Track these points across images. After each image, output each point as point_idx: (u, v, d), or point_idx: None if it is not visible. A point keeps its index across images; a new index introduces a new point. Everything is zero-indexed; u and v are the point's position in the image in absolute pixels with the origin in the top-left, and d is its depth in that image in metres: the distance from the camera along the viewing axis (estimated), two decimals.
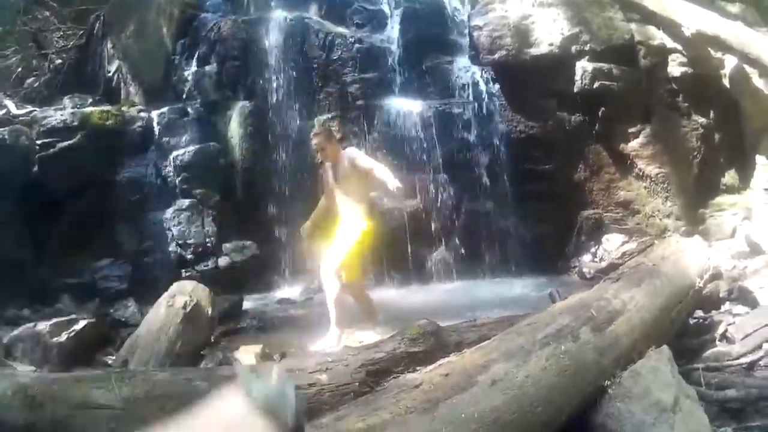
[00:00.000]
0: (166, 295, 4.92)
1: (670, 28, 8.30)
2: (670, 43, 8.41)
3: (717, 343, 4.51)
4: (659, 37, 8.49)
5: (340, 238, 5.46)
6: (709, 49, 8.13)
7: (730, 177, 8.38)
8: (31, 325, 5.17)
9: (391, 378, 3.08)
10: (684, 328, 4.44)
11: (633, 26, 8.59)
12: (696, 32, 7.81)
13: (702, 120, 8.36)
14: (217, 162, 8.30)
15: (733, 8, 8.96)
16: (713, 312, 5.12)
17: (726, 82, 8.18)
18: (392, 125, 8.29)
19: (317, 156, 5.87)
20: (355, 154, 5.72)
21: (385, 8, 9.55)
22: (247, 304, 6.59)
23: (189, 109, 8.82)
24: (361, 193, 5.59)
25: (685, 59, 8.33)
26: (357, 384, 3.08)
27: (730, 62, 8.04)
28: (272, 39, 8.78)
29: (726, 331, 4.63)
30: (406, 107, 8.39)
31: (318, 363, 3.19)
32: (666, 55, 8.45)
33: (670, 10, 8.19)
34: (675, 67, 8.39)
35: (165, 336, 4.45)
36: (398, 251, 7.69)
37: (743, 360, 4.07)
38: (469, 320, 4.11)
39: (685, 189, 8.27)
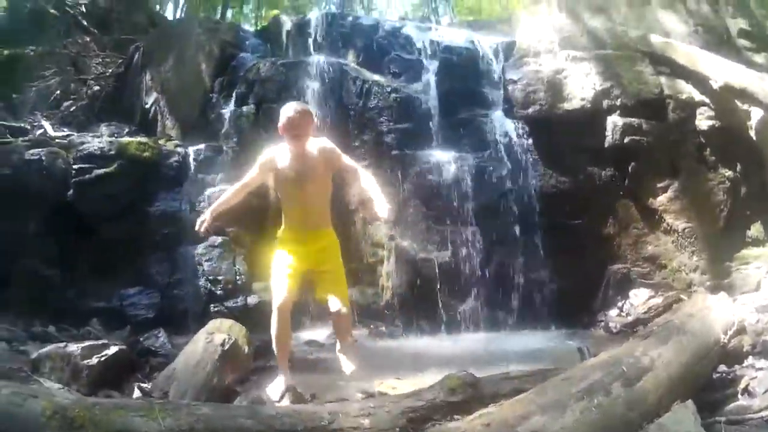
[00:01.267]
0: (203, 330, 5.03)
1: (699, 81, 8.38)
2: (698, 96, 8.46)
3: (739, 396, 4.54)
4: (688, 90, 8.55)
5: (313, 252, 4.82)
6: (736, 101, 8.14)
7: (755, 229, 8.36)
8: (61, 344, 5.25)
9: (430, 425, 3.21)
10: (708, 382, 4.48)
11: (662, 80, 8.66)
12: (724, 85, 7.88)
13: (729, 173, 8.37)
14: (250, 202, 8.33)
15: (759, 58, 9.07)
16: (737, 366, 5.11)
17: (752, 134, 8.17)
18: (426, 176, 8.33)
19: (291, 137, 4.65)
20: (331, 146, 4.91)
21: (422, 59, 9.68)
22: None
23: (225, 148, 8.98)
24: (328, 196, 4.94)
25: (712, 112, 8.37)
26: (398, 430, 3.17)
27: (756, 114, 8.03)
28: (310, 84, 8.89)
29: (748, 385, 4.66)
30: (440, 159, 8.44)
31: (361, 408, 3.29)
32: (694, 109, 8.49)
33: (698, 63, 8.30)
34: (703, 121, 8.43)
35: (203, 371, 4.54)
36: (428, 301, 7.72)
37: (764, 414, 4.08)
38: (502, 372, 4.17)
39: (712, 242, 8.24)
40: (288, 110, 4.67)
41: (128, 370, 5.55)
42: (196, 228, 5.02)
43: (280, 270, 4.80)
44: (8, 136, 9.58)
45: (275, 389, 4.65)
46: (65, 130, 10.53)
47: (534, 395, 3.27)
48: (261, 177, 5.07)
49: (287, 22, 10.99)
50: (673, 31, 9.41)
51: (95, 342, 5.49)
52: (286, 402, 4.36)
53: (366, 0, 31.87)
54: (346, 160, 4.95)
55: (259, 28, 16.32)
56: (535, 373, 4.08)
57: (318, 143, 4.84)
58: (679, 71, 8.63)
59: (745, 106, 8.14)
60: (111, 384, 5.08)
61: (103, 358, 5.10)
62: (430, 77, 9.34)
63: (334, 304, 4.77)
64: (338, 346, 5.09)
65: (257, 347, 5.77)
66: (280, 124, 4.69)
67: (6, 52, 12.40)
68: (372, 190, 4.75)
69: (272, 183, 5.25)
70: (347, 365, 4.90)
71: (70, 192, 8.16)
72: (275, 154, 4.85)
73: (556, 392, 3.27)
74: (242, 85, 9.57)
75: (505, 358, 5.50)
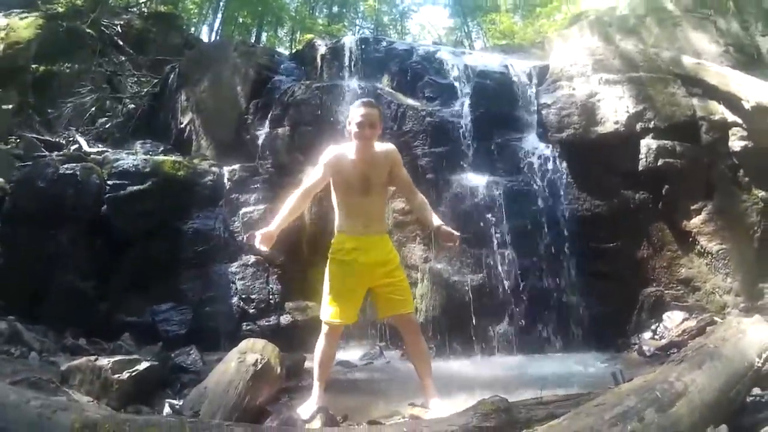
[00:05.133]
0: (236, 350, 5.02)
1: (731, 101, 8.34)
2: (730, 117, 8.41)
3: None
4: (720, 111, 8.50)
5: (375, 266, 4.63)
6: None
7: None
8: (92, 357, 5.23)
9: None
10: (742, 406, 4.41)
11: (695, 101, 8.63)
12: (756, 105, 7.88)
13: (762, 194, 8.25)
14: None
15: None
16: None
17: None
18: (461, 200, 8.26)
19: (360, 136, 4.48)
20: (397, 152, 4.77)
21: (456, 83, 9.65)
22: (308, 363, 6.59)
23: (260, 169, 9.06)
24: (385, 203, 4.88)
25: (745, 133, 8.30)
26: None
27: None
28: (345, 107, 8.75)
29: None
30: (475, 182, 8.38)
31: None
32: (727, 130, 8.44)
33: (730, 83, 8.29)
34: (736, 141, 8.37)
35: (234, 390, 4.52)
36: (462, 323, 7.60)
37: None
38: (536, 397, 4.13)
39: (745, 264, 8.10)
40: (359, 107, 4.53)
41: (159, 386, 5.58)
42: (257, 243, 4.62)
43: (339, 287, 4.68)
44: (43, 150, 9.78)
45: (307, 410, 4.62)
46: (100, 146, 10.76)
47: (568, 422, 3.23)
48: (327, 179, 4.68)
49: (322, 46, 11.04)
50: (704, 51, 9.46)
51: (126, 357, 5.49)
52: (317, 423, 4.33)
53: (400, 25, 32.11)
54: (405, 171, 4.82)
55: (293, 51, 16.46)
56: (568, 398, 4.04)
57: (385, 146, 4.73)
58: (711, 92, 8.60)
59: None
60: (141, 399, 5.08)
61: (134, 373, 5.09)
62: (464, 101, 9.31)
63: (404, 322, 4.75)
64: (417, 368, 4.82)
65: (289, 367, 5.77)
66: (350, 122, 4.55)
67: (42, 68, 12.68)
68: (430, 214, 4.61)
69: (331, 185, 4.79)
70: (432, 396, 4.66)
71: (104, 207, 8.29)
72: (339, 154, 4.63)
73: (590, 418, 3.22)
74: (277, 108, 9.65)
75: (538, 382, 5.41)
